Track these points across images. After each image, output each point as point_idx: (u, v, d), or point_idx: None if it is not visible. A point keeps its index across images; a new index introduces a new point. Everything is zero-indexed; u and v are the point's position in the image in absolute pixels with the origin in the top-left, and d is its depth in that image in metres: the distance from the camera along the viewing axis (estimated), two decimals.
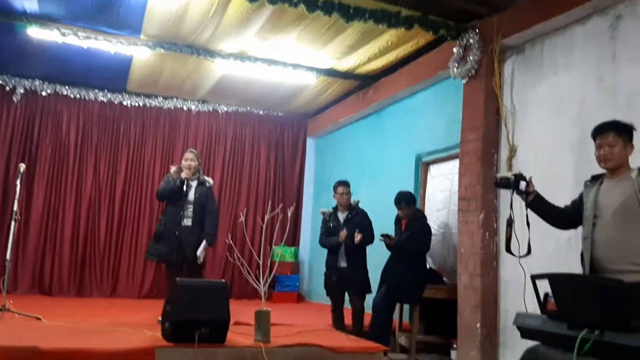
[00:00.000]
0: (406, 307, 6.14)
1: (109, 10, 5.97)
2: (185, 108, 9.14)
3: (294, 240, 9.42)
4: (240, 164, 9.50)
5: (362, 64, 7.09)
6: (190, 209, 5.44)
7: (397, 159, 7.17)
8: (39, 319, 5.20)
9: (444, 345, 5.78)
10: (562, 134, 4.57)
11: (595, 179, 3.20)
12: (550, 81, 4.79)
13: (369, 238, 5.71)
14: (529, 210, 3.32)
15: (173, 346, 4.11)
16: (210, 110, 9.29)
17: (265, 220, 4.78)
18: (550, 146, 4.68)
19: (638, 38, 4.05)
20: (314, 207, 9.70)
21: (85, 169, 8.59)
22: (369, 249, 5.83)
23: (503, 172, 5.03)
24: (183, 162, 5.65)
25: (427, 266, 5.98)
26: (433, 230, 5.96)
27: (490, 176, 5.14)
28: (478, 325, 4.91)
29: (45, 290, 8.13)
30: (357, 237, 5.58)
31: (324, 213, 6.05)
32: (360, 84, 7.79)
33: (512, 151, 5.05)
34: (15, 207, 5.38)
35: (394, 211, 5.86)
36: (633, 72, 4.06)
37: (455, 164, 6.07)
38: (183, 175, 5.52)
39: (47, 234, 8.29)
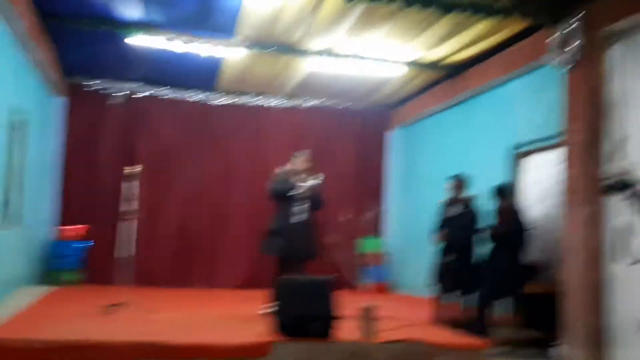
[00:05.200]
0: (503, 299, 6.10)
1: (205, 15, 6.20)
2: (271, 105, 9.36)
3: (379, 231, 9.47)
4: (324, 157, 9.57)
5: (452, 53, 7.00)
6: (304, 205, 5.65)
7: (488, 149, 7.06)
8: (152, 312, 5.57)
9: (544, 340, 5.68)
10: None
11: None
12: None
13: (466, 237, 5.69)
14: None
15: (287, 341, 4.30)
16: (294, 105, 9.47)
17: (368, 218, 4.89)
18: None
19: None
20: (399, 197, 9.71)
21: (182, 167, 9.01)
22: None
23: (613, 169, 4.86)
24: (297, 164, 5.84)
25: (526, 260, 5.88)
26: (528, 224, 5.84)
27: (596, 169, 4.97)
28: (583, 322, 4.80)
29: (150, 282, 8.58)
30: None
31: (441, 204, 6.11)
32: (448, 73, 7.70)
33: (621, 143, 4.86)
34: (136, 206, 5.75)
35: (484, 202, 5.82)
36: None
37: (554, 155, 5.91)
38: (294, 180, 5.75)
39: (151, 229, 8.76)
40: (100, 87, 8.68)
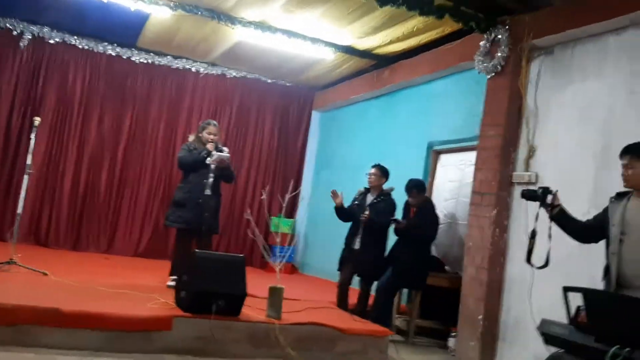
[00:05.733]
0: (404, 290, 6.31)
1: None
2: (193, 69, 9.00)
3: (291, 212, 9.47)
4: (244, 130, 9.46)
5: (383, 45, 7.05)
6: (210, 178, 5.44)
7: (407, 144, 7.21)
8: (45, 274, 5.21)
9: (441, 331, 5.95)
10: (586, 141, 4.65)
11: (621, 196, 3.33)
12: (578, 87, 4.84)
13: (383, 223, 5.76)
14: (552, 222, 3.44)
15: (190, 316, 4.17)
16: (219, 73, 9.18)
17: (286, 199, 4.83)
18: (571, 151, 4.76)
19: None
20: (313, 180, 9.75)
21: (89, 122, 8.47)
22: None
23: (520, 172, 5.13)
24: (206, 134, 5.63)
25: (432, 253, 6.11)
26: (440, 219, 6.06)
27: (507, 174, 5.22)
28: (480, 317, 5.06)
29: (41, 241, 8.09)
30: (363, 216, 5.69)
31: (359, 191, 6.10)
32: (377, 63, 7.76)
33: (531, 152, 5.13)
34: (29, 161, 5.31)
35: (401, 195, 5.94)
36: None
37: (468, 156, 6.15)
38: (209, 147, 5.52)
39: (47, 184, 8.20)
40: (5, 26, 7.92)
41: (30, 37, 8.07)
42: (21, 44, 8.04)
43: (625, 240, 3.15)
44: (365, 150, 8.04)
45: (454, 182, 6.48)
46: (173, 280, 5.18)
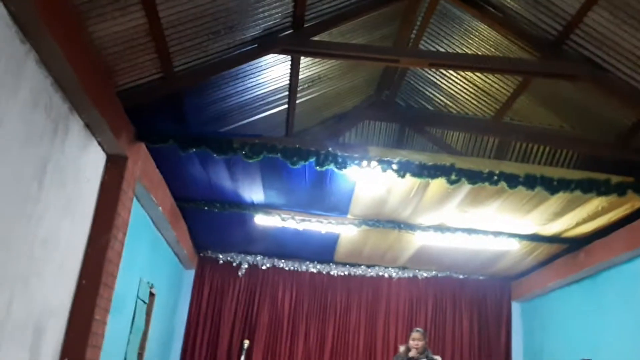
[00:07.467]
0: None
1: (321, 198, 6.71)
2: (386, 275, 9.44)
3: None
4: (442, 329, 9.30)
5: (570, 228, 6.79)
6: None
7: (622, 330, 6.40)
8: None
9: None
10: None
11: None
12: None
13: None
14: None
15: None
16: (410, 276, 9.46)
17: None
18: None
19: None
20: None
21: (297, 337, 9.12)
22: None
23: None
24: (410, 341, 5.80)
25: None
26: None
27: None
28: None
29: None
30: None
31: None
32: (569, 247, 7.38)
33: None
34: None
35: None
36: None
37: None
38: (411, 354, 5.65)
39: None
40: (227, 259, 9.33)
41: (246, 266, 9.36)
42: (239, 273, 9.33)
43: None
44: (575, 340, 7.28)
45: None
46: None
